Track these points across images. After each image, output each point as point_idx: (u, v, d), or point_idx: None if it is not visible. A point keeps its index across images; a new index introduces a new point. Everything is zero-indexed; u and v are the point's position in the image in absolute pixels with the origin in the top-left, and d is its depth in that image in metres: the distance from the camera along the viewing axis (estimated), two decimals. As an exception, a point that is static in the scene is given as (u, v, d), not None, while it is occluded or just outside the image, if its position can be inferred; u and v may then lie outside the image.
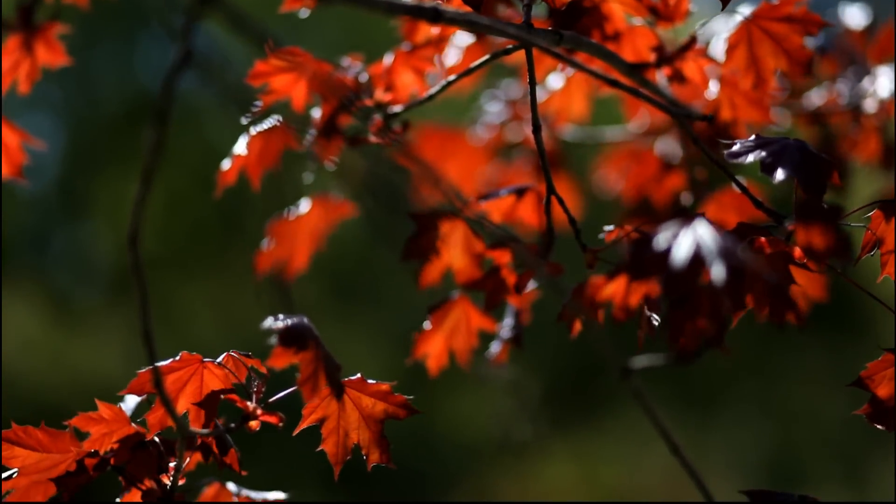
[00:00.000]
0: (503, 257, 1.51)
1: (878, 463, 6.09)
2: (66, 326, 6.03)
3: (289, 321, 1.32)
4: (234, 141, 1.67)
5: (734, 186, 1.48)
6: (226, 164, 1.66)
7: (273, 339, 1.30)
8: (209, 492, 1.45)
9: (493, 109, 2.17)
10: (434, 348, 1.63)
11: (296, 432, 1.36)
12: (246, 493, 1.45)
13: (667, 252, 1.21)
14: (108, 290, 6.19)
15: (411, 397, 1.40)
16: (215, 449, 1.34)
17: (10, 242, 6.01)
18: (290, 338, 1.30)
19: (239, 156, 1.64)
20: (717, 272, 1.18)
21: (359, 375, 1.37)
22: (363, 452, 1.38)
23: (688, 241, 1.20)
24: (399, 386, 1.39)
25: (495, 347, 1.66)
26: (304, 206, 1.89)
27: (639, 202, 1.96)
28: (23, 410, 5.36)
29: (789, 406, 6.45)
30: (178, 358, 1.37)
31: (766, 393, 6.47)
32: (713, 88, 1.62)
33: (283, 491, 1.48)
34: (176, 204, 6.19)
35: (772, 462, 6.12)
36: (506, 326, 1.64)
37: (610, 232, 1.44)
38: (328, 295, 6.38)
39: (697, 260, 1.19)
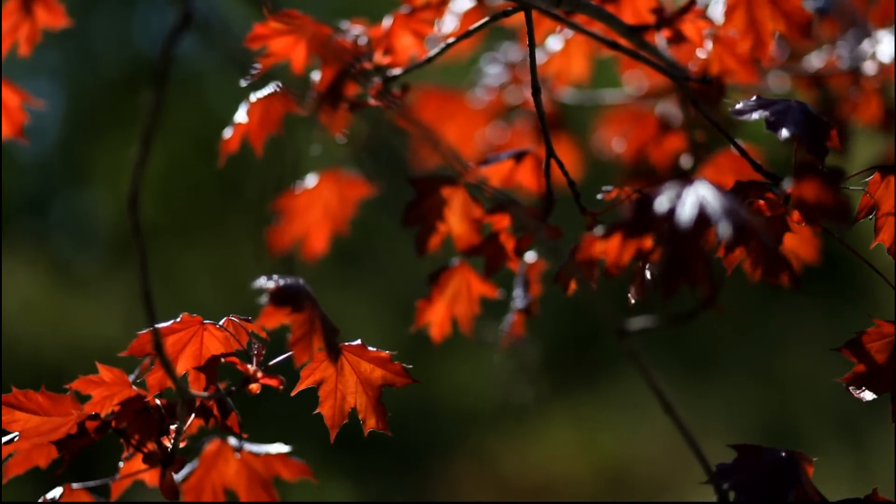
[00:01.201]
0: (502, 222, 1.51)
1: (874, 427, 6.11)
2: (66, 291, 6.03)
3: (282, 281, 1.32)
4: (235, 106, 1.66)
5: (732, 148, 1.48)
6: (227, 133, 1.66)
7: (264, 298, 1.30)
8: (210, 448, 1.46)
9: (493, 72, 2.16)
10: (436, 316, 1.63)
11: (293, 393, 1.36)
12: (248, 447, 1.45)
13: (671, 211, 1.21)
14: (108, 256, 6.19)
15: (410, 366, 1.40)
16: (216, 412, 1.34)
17: (10, 207, 6.01)
18: (282, 297, 1.30)
19: (240, 123, 1.64)
20: (724, 230, 1.19)
21: (359, 341, 1.37)
22: (360, 417, 1.37)
23: (692, 200, 1.21)
24: (399, 352, 1.39)
25: (509, 319, 1.66)
26: (312, 179, 1.88)
27: (638, 164, 1.96)
28: (23, 374, 5.37)
29: (787, 371, 6.46)
30: (178, 320, 1.37)
31: (764, 358, 6.48)
32: (706, 48, 1.62)
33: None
34: (176, 170, 6.19)
35: (769, 426, 6.14)
36: (517, 297, 1.63)
37: (609, 192, 1.44)
38: (328, 262, 6.38)
39: (703, 219, 1.20)
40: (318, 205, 1.87)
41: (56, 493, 1.35)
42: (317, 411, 1.37)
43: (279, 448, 1.47)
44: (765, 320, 6.38)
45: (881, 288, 5.83)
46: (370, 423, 1.38)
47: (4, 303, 5.70)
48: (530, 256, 1.61)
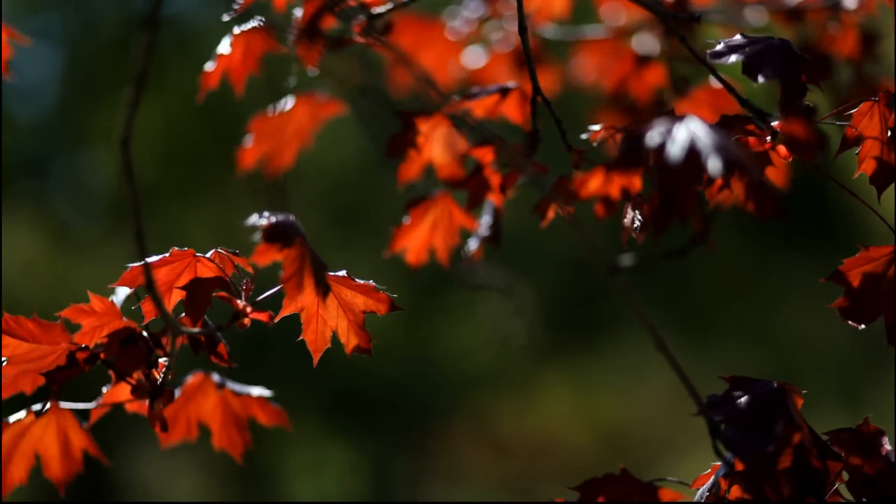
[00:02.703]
0: (487, 156, 1.51)
1: (873, 388, 6.13)
2: (66, 253, 6.05)
3: (274, 218, 1.32)
4: None
5: (711, 83, 1.48)
6: (209, 66, 1.66)
7: (257, 236, 1.31)
8: (193, 381, 1.47)
9: (472, 5, 2.15)
10: (413, 243, 1.63)
11: (277, 319, 1.36)
12: (230, 385, 1.46)
13: (661, 147, 1.22)
14: (107, 218, 6.20)
15: (395, 295, 1.40)
16: (204, 343, 1.35)
17: (9, 169, 6.01)
18: (274, 234, 1.31)
19: (222, 55, 1.64)
20: (715, 165, 1.20)
21: (343, 272, 1.38)
22: (342, 340, 1.38)
23: (682, 136, 1.22)
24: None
25: (472, 245, 1.65)
26: (289, 103, 1.88)
27: (618, 97, 1.96)
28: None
29: (785, 332, 6.47)
30: (168, 254, 1.38)
31: (761, 320, 6.49)
32: None
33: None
34: (175, 132, 6.19)
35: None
36: (483, 224, 1.63)
37: (595, 131, 1.45)
38: (328, 224, 6.39)
39: (693, 154, 1.21)
40: (291, 126, 1.86)
41: (41, 406, 1.36)
42: (300, 338, 1.38)
43: (260, 391, 1.48)
44: (761, 281, 6.39)
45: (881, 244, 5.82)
46: (351, 345, 1.38)
47: (4, 265, 5.71)
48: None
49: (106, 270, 5.98)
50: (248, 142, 1.88)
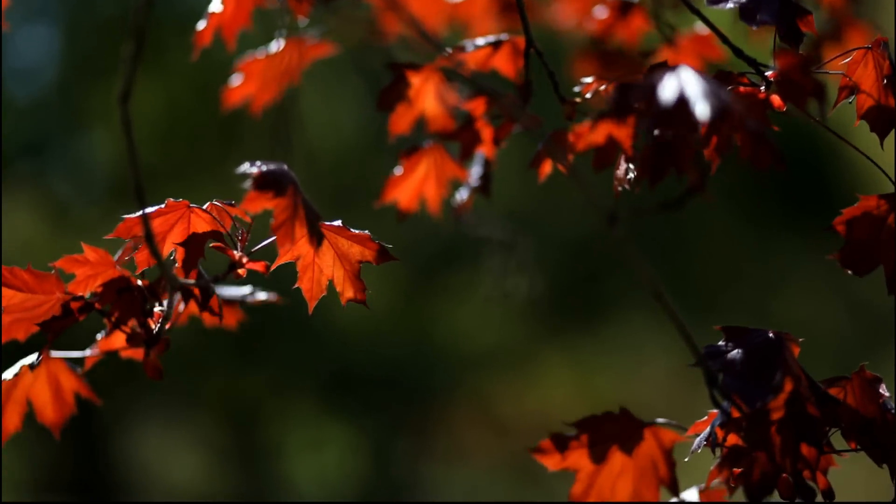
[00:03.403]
0: (479, 108, 1.51)
1: (872, 368, 6.13)
2: (65, 234, 6.05)
3: (265, 166, 1.32)
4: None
5: (696, 29, 1.48)
6: (201, 24, 1.66)
7: (247, 183, 1.30)
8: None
9: None
10: (404, 194, 1.62)
11: (272, 268, 1.36)
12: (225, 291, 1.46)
13: (652, 92, 1.22)
14: (107, 199, 6.20)
15: (391, 245, 1.40)
16: (197, 293, 1.34)
17: (9, 149, 6.01)
18: (265, 182, 1.30)
19: (214, 13, 1.64)
20: (702, 110, 1.20)
21: (339, 222, 1.37)
22: (337, 290, 1.37)
23: (673, 83, 1.22)
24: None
25: (462, 195, 1.65)
26: (277, 45, 1.87)
27: (602, 43, 1.94)
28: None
29: (784, 314, 6.47)
30: (163, 205, 1.38)
31: (761, 301, 6.49)
32: None
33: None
34: (175, 114, 6.19)
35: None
36: (473, 175, 1.63)
37: (588, 84, 1.44)
38: (326, 206, 6.39)
39: (683, 99, 1.21)
40: (277, 66, 1.85)
41: (34, 358, 1.36)
42: (296, 286, 1.38)
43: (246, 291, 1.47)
44: (761, 263, 6.39)
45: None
46: (347, 295, 1.38)
47: (4, 245, 5.71)
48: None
49: (105, 247, 5.97)
50: (236, 81, 1.87)
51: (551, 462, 1.33)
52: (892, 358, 5.95)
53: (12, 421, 1.36)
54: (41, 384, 1.36)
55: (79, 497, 5.99)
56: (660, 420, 1.36)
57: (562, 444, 1.32)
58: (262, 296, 1.49)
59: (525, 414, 6.73)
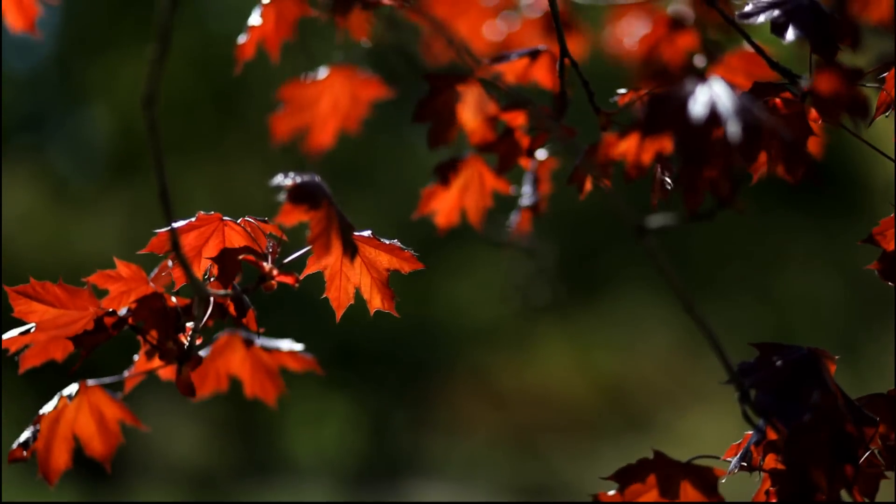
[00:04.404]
0: (517, 119, 1.49)
1: (870, 344, 6.14)
2: (64, 208, 6.03)
3: (299, 178, 1.31)
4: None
5: (744, 48, 1.47)
6: (242, 38, 1.63)
7: (282, 196, 1.29)
8: (221, 340, 1.46)
9: None
10: (444, 205, 1.60)
11: (301, 277, 1.35)
12: (259, 342, 1.45)
13: (683, 108, 1.21)
14: (105, 173, 6.19)
15: (418, 253, 1.39)
16: (232, 310, 1.34)
17: (8, 123, 5.99)
18: (300, 194, 1.29)
19: (255, 27, 1.61)
20: (733, 129, 1.19)
21: (369, 232, 1.37)
22: (365, 297, 1.37)
23: (704, 98, 1.21)
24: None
25: (515, 216, 1.64)
26: (323, 72, 1.84)
27: (650, 62, 1.94)
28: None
29: (784, 291, 6.48)
30: (194, 219, 1.37)
31: (762, 278, 6.50)
32: None
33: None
34: (173, 90, 6.16)
35: (767, 344, 6.16)
36: (525, 194, 1.62)
37: (623, 95, 1.44)
38: (326, 180, 6.37)
39: (714, 116, 1.20)
40: (327, 98, 1.83)
41: (72, 389, 1.35)
42: (324, 295, 1.37)
43: (289, 345, 1.47)
44: (761, 240, 6.39)
45: (882, 206, 5.83)
46: (375, 303, 1.37)
47: (5, 219, 5.70)
48: (541, 154, 1.60)
49: (104, 225, 5.96)
50: (283, 109, 1.84)
51: None
52: (891, 331, 5.96)
53: (62, 458, 1.34)
54: (84, 416, 1.34)
55: (75, 471, 5.99)
56: (697, 459, 1.33)
57: (608, 501, 1.29)
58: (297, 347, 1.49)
59: (524, 387, 6.74)
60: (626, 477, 1.29)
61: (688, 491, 1.28)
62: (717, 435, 6.15)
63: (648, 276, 6.27)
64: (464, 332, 6.53)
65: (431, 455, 6.94)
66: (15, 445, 1.32)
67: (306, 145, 1.87)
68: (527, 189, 1.61)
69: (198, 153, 6.14)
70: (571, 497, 6.81)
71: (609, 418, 6.82)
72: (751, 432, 1.29)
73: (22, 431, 1.33)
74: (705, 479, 1.28)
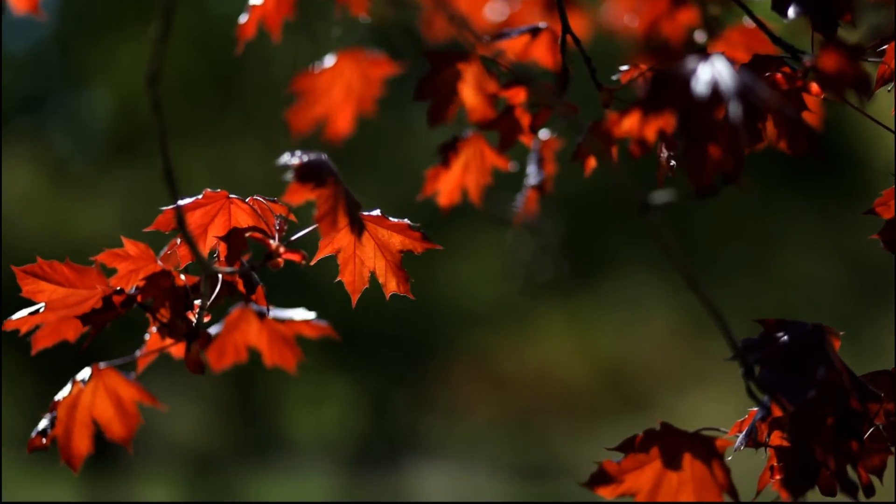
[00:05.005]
0: (518, 96, 1.49)
1: (870, 323, 6.15)
2: (64, 189, 6.03)
3: (306, 157, 1.31)
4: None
5: (745, 23, 1.47)
6: (243, 18, 1.64)
7: (289, 175, 1.29)
8: (233, 314, 1.47)
9: None
10: (446, 185, 1.60)
11: (313, 262, 1.35)
12: (272, 313, 1.46)
13: (685, 86, 1.21)
14: (105, 154, 6.18)
15: (430, 233, 1.39)
16: (241, 287, 1.34)
17: (7, 104, 5.98)
18: (307, 173, 1.29)
19: (255, 6, 1.62)
20: (735, 109, 1.19)
21: (377, 211, 1.37)
22: (380, 281, 1.37)
23: (706, 76, 1.21)
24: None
25: (522, 196, 1.64)
26: (331, 59, 1.84)
27: (651, 38, 1.93)
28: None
29: (783, 271, 6.48)
30: (200, 196, 1.37)
31: (760, 258, 6.50)
32: None
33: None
34: (172, 69, 6.15)
35: (767, 324, 6.17)
36: (530, 173, 1.62)
37: (626, 71, 1.44)
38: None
39: (716, 94, 1.20)
40: (339, 85, 1.83)
41: (85, 373, 1.35)
42: (338, 279, 1.37)
43: (302, 314, 1.48)
44: (761, 220, 6.40)
45: (882, 185, 5.83)
46: (391, 287, 1.37)
47: (4, 199, 5.70)
48: (544, 133, 1.60)
49: (104, 206, 5.96)
50: (299, 103, 1.84)
51: (608, 491, 1.29)
52: (891, 310, 5.97)
53: (83, 444, 1.34)
54: (102, 400, 1.34)
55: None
56: (704, 429, 1.34)
57: (612, 471, 1.30)
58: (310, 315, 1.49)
59: (524, 367, 6.75)
60: (631, 446, 1.29)
61: (694, 458, 1.28)
62: (718, 416, 6.16)
63: (648, 257, 6.27)
64: (464, 313, 6.53)
65: (431, 435, 6.95)
66: (34, 434, 1.32)
67: (326, 135, 1.87)
68: (532, 169, 1.61)
69: (198, 133, 6.14)
70: (570, 477, 6.82)
71: (608, 399, 6.83)
72: (755, 409, 1.29)
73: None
74: (710, 448, 1.28)
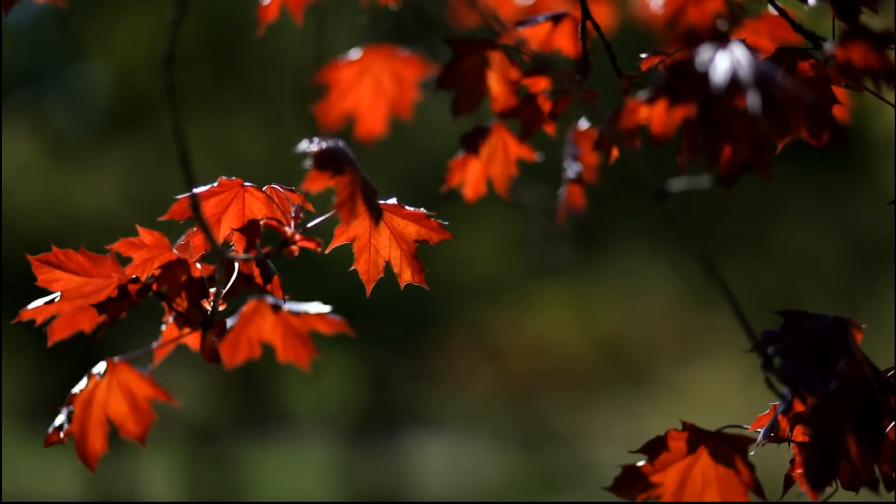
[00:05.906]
0: (539, 84, 1.48)
1: (868, 298, 6.16)
2: (63, 162, 6.02)
3: (324, 144, 1.30)
4: None
5: (770, 11, 1.45)
6: (265, 0, 1.62)
7: (308, 163, 1.28)
8: (248, 307, 1.46)
9: None
10: (471, 175, 1.59)
11: (328, 250, 1.34)
12: (287, 306, 1.45)
13: (704, 76, 1.20)
14: (104, 128, 6.16)
15: (446, 223, 1.38)
16: (257, 275, 1.33)
17: (6, 77, 5.96)
18: (325, 161, 1.28)
19: None
20: (753, 99, 1.18)
21: (394, 200, 1.36)
22: (395, 270, 1.36)
23: (725, 65, 1.19)
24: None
25: (563, 190, 1.62)
26: (356, 52, 1.81)
27: (676, 26, 1.92)
28: (22, 243, 5.37)
29: (783, 246, 6.48)
30: (216, 184, 1.36)
31: (761, 234, 6.50)
32: None
33: None
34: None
35: (766, 299, 6.18)
36: (567, 166, 1.60)
37: (646, 59, 1.42)
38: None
39: (735, 84, 1.19)
40: (367, 79, 1.79)
41: (100, 367, 1.34)
42: (352, 268, 1.36)
43: (318, 307, 1.46)
44: (760, 195, 6.39)
45: (883, 159, 5.83)
46: (405, 276, 1.37)
47: (4, 172, 5.69)
48: (583, 124, 1.58)
49: (103, 179, 5.94)
50: (325, 95, 1.81)
51: (632, 494, 1.28)
52: (891, 282, 5.97)
53: (98, 442, 1.33)
54: (115, 397, 1.33)
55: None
56: (727, 426, 1.33)
57: (637, 474, 1.28)
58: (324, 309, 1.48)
59: (523, 341, 6.76)
60: (655, 448, 1.28)
61: (718, 457, 1.27)
62: (717, 387, 6.17)
63: (647, 232, 6.27)
64: (463, 287, 6.53)
65: (431, 407, 6.96)
66: (51, 430, 1.31)
67: (356, 133, 1.84)
68: (568, 161, 1.59)
69: (195, 105, 6.11)
70: (568, 448, 6.83)
71: (607, 371, 6.83)
72: (776, 403, 1.28)
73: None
74: (735, 445, 1.27)
